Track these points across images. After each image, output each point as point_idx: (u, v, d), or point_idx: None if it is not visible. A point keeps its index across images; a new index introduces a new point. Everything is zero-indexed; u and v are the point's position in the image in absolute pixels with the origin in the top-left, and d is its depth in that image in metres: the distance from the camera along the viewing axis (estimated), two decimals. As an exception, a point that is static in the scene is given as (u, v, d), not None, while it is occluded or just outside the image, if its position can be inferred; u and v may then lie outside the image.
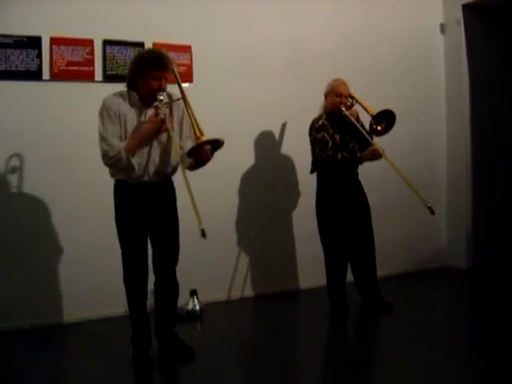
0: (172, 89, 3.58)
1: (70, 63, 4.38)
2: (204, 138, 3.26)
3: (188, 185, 3.07)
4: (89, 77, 4.45)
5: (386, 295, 4.53)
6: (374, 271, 4.55)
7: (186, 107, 3.45)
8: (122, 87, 4.48)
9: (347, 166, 4.46)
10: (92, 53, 4.45)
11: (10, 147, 4.23)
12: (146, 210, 3.46)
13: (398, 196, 5.40)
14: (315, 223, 4.59)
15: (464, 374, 3.32)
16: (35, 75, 4.28)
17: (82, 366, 3.55)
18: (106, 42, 4.50)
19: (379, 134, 4.46)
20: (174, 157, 3.40)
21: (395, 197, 5.40)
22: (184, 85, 3.74)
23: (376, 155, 4.37)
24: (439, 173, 6.02)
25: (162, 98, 3.33)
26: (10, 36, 4.20)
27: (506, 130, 6.15)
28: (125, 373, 3.41)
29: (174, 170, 3.58)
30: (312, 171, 4.60)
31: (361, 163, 4.49)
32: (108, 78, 4.51)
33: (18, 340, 4.03)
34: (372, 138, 4.40)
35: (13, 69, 4.21)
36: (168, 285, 3.57)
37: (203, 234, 2.94)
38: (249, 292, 5.10)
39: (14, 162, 4.23)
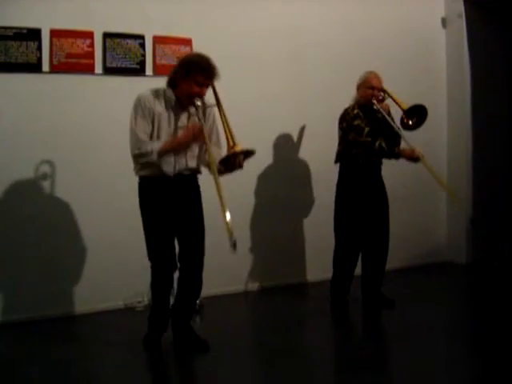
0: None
1: (69, 55, 4.36)
2: (238, 149, 3.32)
3: (220, 191, 3.14)
4: (89, 69, 4.44)
5: (386, 290, 4.53)
6: (384, 268, 4.54)
7: (221, 115, 3.49)
8: (121, 80, 4.54)
9: (381, 156, 4.40)
10: (92, 45, 4.43)
11: (10, 140, 4.21)
12: (174, 204, 3.49)
13: (399, 192, 5.39)
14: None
15: (464, 369, 3.32)
16: (35, 67, 4.26)
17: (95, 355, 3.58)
18: (106, 35, 4.48)
19: (410, 128, 4.42)
20: (211, 165, 3.36)
21: (396, 192, 5.38)
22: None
23: (414, 157, 4.33)
24: (440, 168, 5.98)
25: (199, 103, 3.38)
26: (9, 28, 4.17)
27: (507, 125, 6.14)
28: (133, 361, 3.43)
29: (199, 168, 3.62)
30: (336, 161, 4.54)
31: (397, 158, 4.42)
32: (108, 70, 4.49)
33: (30, 331, 4.05)
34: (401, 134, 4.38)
35: (12, 61, 4.18)
36: (194, 281, 3.59)
37: (234, 246, 3.00)
38: (253, 286, 5.11)
39: (13, 155, 4.22)
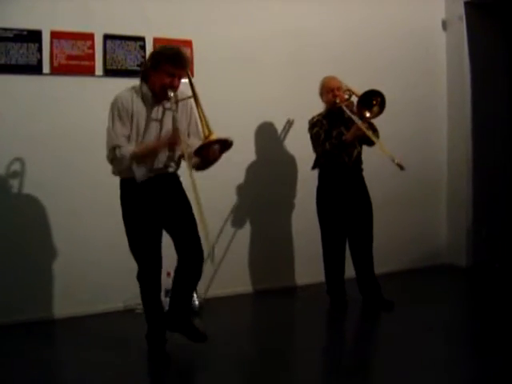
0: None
1: (70, 57, 4.36)
2: (213, 137, 3.22)
3: (195, 187, 3.06)
4: (89, 71, 4.44)
5: (385, 292, 4.52)
6: (371, 267, 4.54)
7: (197, 105, 3.40)
8: (122, 82, 4.52)
9: (338, 150, 4.37)
10: (92, 47, 4.44)
11: (10, 141, 4.21)
12: (156, 203, 3.43)
13: (398, 194, 5.40)
14: (314, 219, 4.58)
15: (464, 371, 3.32)
16: (35, 69, 4.26)
17: (84, 359, 3.57)
18: (107, 37, 4.48)
19: (373, 117, 4.32)
20: (186, 160, 3.26)
21: (395, 195, 5.40)
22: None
23: (358, 132, 4.24)
24: (440, 170, 6.00)
25: (171, 94, 3.32)
26: (10, 30, 4.18)
27: (508, 127, 6.14)
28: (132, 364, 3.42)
29: (178, 165, 3.57)
30: (313, 167, 4.59)
31: (348, 142, 4.32)
32: (108, 72, 4.50)
33: (21, 334, 4.03)
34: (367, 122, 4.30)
35: (13, 62, 4.19)
36: (196, 268, 3.45)
37: (212, 258, 2.94)
38: (248, 288, 5.10)
39: (14, 156, 4.22)
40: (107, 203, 4.45)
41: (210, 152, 3.27)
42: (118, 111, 3.33)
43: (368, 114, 4.32)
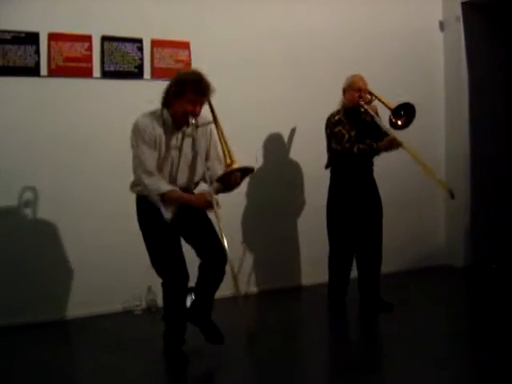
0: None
1: (68, 59, 4.36)
2: (235, 166, 3.31)
3: (219, 220, 3.22)
4: (87, 73, 4.44)
5: (383, 293, 4.53)
6: (379, 270, 4.54)
7: (218, 132, 3.46)
8: (119, 84, 4.54)
9: (364, 158, 4.38)
10: (90, 49, 4.44)
11: (8, 143, 4.21)
12: (177, 215, 3.42)
13: (396, 195, 5.40)
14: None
15: (461, 371, 3.33)
16: (33, 71, 4.26)
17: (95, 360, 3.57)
18: (105, 38, 4.48)
19: (400, 128, 4.39)
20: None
21: (393, 196, 5.39)
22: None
23: (393, 144, 4.27)
24: (438, 170, 5.95)
25: (193, 121, 3.34)
26: (8, 32, 4.18)
27: (505, 128, 6.15)
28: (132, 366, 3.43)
29: (196, 185, 3.61)
30: (327, 166, 4.55)
31: (378, 154, 4.39)
32: (106, 74, 4.50)
33: (28, 335, 4.05)
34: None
35: (10, 65, 4.19)
36: (219, 270, 3.48)
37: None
38: (252, 288, 5.11)
39: (11, 159, 4.22)
40: (106, 205, 4.48)
41: (232, 179, 3.35)
42: (141, 137, 3.33)
43: (400, 123, 4.36)
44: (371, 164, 4.54)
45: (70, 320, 4.36)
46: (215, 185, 3.37)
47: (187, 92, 3.31)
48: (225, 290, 4.87)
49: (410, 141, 4.45)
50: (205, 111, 3.51)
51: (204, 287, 3.53)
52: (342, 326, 4.43)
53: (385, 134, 4.36)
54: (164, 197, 3.30)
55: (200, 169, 3.48)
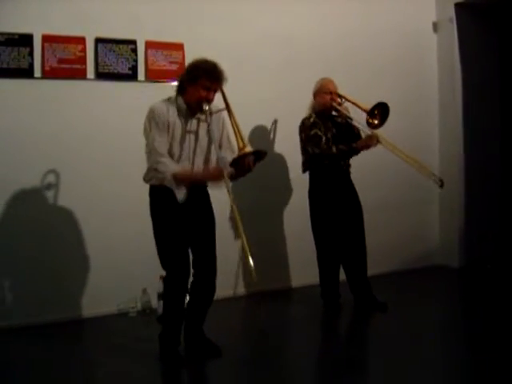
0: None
1: (61, 61, 4.35)
2: (248, 149, 3.36)
3: (236, 214, 3.26)
4: (81, 75, 4.43)
5: (378, 294, 4.53)
6: (365, 270, 4.55)
7: (231, 118, 3.51)
8: (113, 85, 4.54)
9: (343, 158, 4.40)
10: (84, 51, 4.43)
11: (1, 145, 4.20)
12: (186, 212, 3.47)
13: (391, 195, 5.41)
14: (307, 221, 4.58)
15: (457, 371, 3.33)
16: (27, 73, 4.25)
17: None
18: (99, 40, 4.47)
19: (376, 127, 4.40)
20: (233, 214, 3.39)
21: (388, 196, 5.41)
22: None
23: (371, 140, 4.29)
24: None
25: (206, 108, 3.41)
26: (1, 33, 4.16)
27: (499, 130, 6.17)
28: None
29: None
30: (304, 170, 4.58)
31: (356, 153, 4.40)
32: (100, 75, 4.49)
33: (20, 336, 4.04)
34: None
35: (4, 66, 4.17)
36: (209, 287, 3.59)
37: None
38: (241, 290, 5.10)
39: (5, 160, 4.21)
40: (100, 205, 4.47)
41: (246, 162, 3.37)
42: (155, 122, 3.39)
43: (376, 122, 4.37)
44: (348, 166, 4.56)
45: (64, 322, 4.32)
46: (228, 169, 3.38)
47: (201, 78, 3.38)
48: (225, 290, 4.95)
49: (403, 142, 4.48)
50: (217, 101, 3.56)
51: (195, 303, 3.61)
52: (335, 327, 4.43)
53: (359, 135, 4.40)
54: (177, 176, 3.33)
55: (214, 155, 3.53)
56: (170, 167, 3.35)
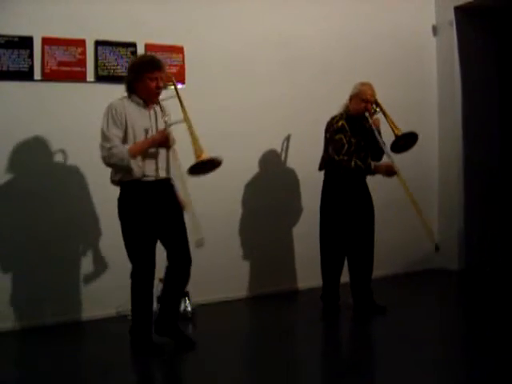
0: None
1: (61, 63, 4.36)
2: (204, 157, 3.45)
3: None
4: (80, 77, 4.44)
5: (377, 296, 4.53)
6: (370, 277, 4.53)
7: (188, 126, 3.58)
8: (113, 88, 4.53)
9: (358, 174, 4.40)
10: (84, 53, 4.44)
11: (1, 148, 4.20)
12: (153, 206, 3.61)
13: (390, 199, 5.41)
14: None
15: (456, 373, 3.33)
16: (27, 75, 4.26)
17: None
18: (98, 43, 4.48)
19: (397, 151, 4.38)
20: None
21: (387, 199, 5.41)
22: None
23: (390, 172, 4.34)
24: (431, 175, 6.03)
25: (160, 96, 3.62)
26: (1, 36, 4.18)
27: (498, 132, 6.17)
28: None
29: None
30: (320, 168, 4.54)
31: (373, 174, 4.43)
32: (100, 78, 4.50)
33: (17, 340, 4.06)
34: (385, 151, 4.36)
35: (4, 69, 4.19)
36: (184, 275, 3.71)
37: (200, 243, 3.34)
38: (244, 293, 5.10)
39: (5, 163, 4.21)
40: (99, 208, 4.48)
41: (202, 171, 3.54)
42: (111, 116, 3.56)
43: (400, 143, 4.35)
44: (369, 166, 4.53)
45: (62, 324, 4.33)
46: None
47: (144, 72, 3.57)
48: (224, 291, 4.96)
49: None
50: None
51: (169, 292, 3.72)
52: (335, 329, 4.43)
53: (381, 149, 4.37)
54: (131, 151, 3.50)
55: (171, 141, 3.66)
56: (122, 149, 3.50)
